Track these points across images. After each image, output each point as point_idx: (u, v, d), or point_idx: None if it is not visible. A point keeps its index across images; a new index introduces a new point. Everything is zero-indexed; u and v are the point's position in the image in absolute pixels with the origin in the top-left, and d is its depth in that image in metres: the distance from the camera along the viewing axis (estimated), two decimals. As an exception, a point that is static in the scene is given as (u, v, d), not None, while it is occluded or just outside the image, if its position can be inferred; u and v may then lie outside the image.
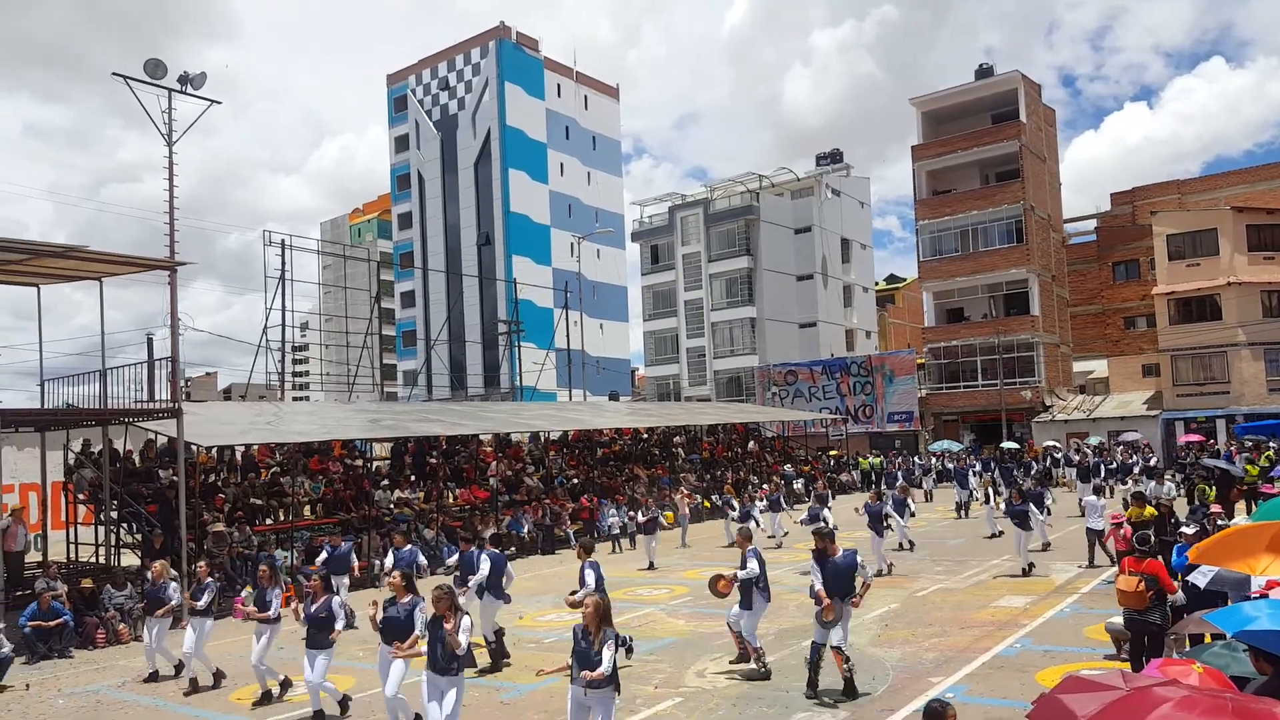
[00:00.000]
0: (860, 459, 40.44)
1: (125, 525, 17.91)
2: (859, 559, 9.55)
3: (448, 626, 7.49)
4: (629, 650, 10.79)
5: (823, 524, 13.74)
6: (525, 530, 23.15)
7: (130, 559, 17.61)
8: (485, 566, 11.63)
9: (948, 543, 20.69)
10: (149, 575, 12.56)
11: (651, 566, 19.17)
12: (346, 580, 15.30)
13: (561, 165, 66.41)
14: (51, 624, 13.24)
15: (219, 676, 11.19)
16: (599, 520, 24.85)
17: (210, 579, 11.66)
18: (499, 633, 11.82)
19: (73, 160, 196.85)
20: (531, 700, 9.91)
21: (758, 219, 58.93)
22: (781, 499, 23.79)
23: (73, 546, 18.47)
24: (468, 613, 7.70)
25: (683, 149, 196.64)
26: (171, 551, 16.29)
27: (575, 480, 27.72)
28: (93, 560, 18.09)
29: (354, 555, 16.14)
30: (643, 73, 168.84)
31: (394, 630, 8.42)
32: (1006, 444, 39.99)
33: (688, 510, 24.72)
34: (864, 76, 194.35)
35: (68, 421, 17.05)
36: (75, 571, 16.73)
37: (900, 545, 19.18)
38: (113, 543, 17.83)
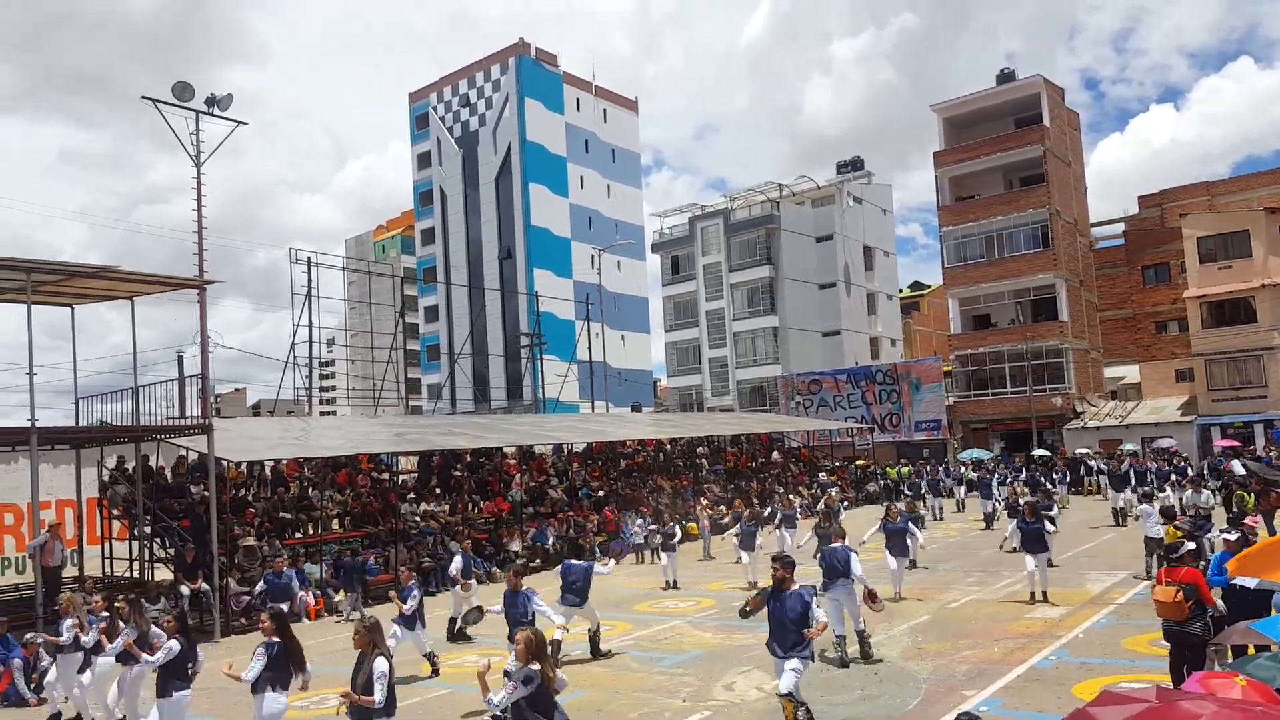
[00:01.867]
0: (888, 468, 40.14)
1: (158, 540, 18.13)
2: (811, 601, 8.33)
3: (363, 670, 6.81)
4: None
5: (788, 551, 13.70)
6: (550, 542, 23.17)
7: (164, 573, 17.81)
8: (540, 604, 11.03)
9: (980, 553, 20.47)
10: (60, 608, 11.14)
11: (674, 585, 18.15)
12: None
13: (581, 178, 66.77)
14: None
15: None
16: (623, 531, 24.82)
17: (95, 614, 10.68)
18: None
19: (106, 183, 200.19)
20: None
21: (778, 228, 58.82)
22: (794, 514, 22.03)
23: (108, 561, 18.70)
24: (388, 655, 6.91)
25: (702, 160, 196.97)
26: (204, 566, 16.48)
27: (600, 492, 27.72)
28: (127, 575, 18.30)
29: (296, 583, 15.68)
30: (661, 85, 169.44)
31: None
32: (1037, 451, 39.58)
33: (708, 522, 24.35)
34: (884, 84, 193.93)
35: (102, 439, 17.31)
36: (110, 585, 16.94)
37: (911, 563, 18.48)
38: (146, 557, 18.04)
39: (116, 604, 10.18)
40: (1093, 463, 34.73)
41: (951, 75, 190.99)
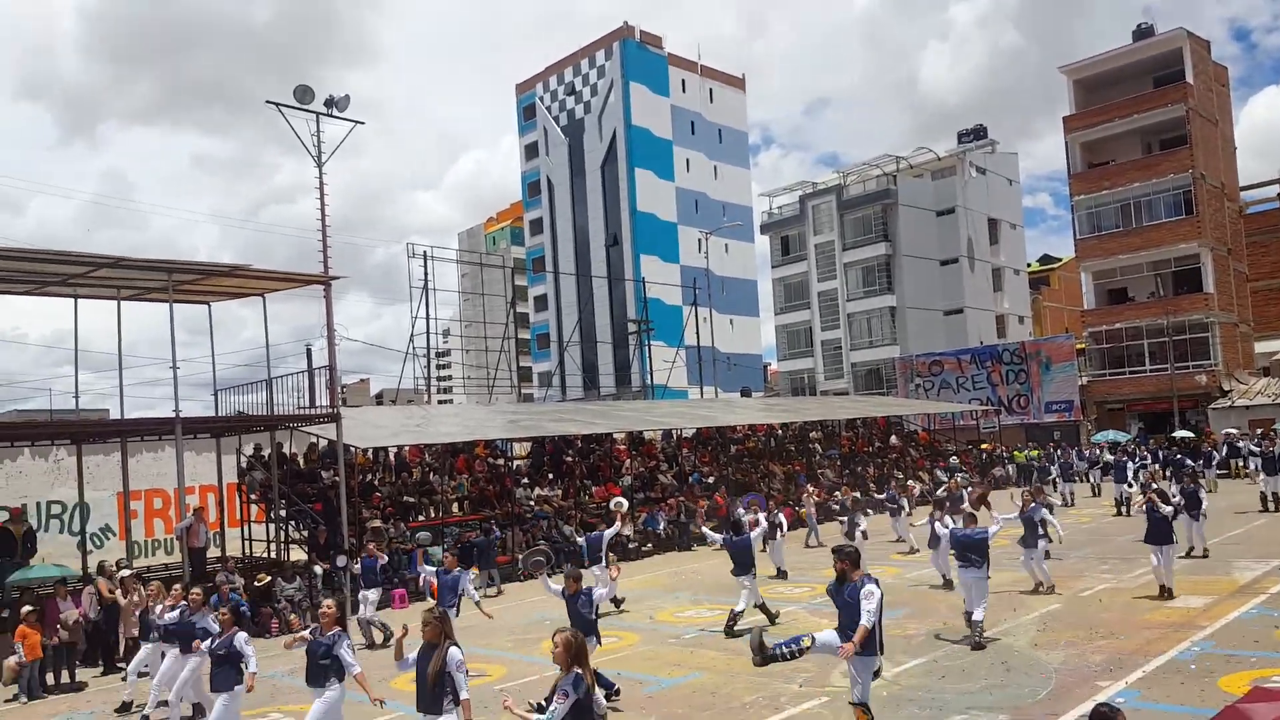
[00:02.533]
0: (1015, 452, 38.61)
1: (293, 522, 19.07)
2: (869, 589, 7.53)
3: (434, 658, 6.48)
4: (611, 693, 9.52)
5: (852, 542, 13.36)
6: (661, 527, 23.27)
7: (298, 554, 18.73)
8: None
9: (1115, 540, 19.43)
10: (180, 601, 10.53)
11: (781, 574, 17.70)
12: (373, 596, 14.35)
13: (687, 161, 66.38)
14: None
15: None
16: (733, 516, 24.67)
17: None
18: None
19: (235, 187, 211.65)
20: (674, 694, 9.93)
21: (895, 203, 57.14)
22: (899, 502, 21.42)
23: (247, 543, 19.79)
24: (459, 644, 6.64)
25: (813, 136, 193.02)
26: (335, 546, 17.25)
27: (710, 478, 27.63)
28: (265, 555, 19.34)
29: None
30: (770, 62, 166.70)
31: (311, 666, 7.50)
32: (1179, 433, 37.30)
33: (814, 508, 23.46)
34: (1008, 47, 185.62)
35: (239, 428, 18.28)
36: (250, 566, 17.95)
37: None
38: (282, 539, 19.02)
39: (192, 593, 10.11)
40: (1241, 444, 32.48)
41: (1082, 34, 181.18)
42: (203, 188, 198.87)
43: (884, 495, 22.43)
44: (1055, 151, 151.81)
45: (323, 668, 7.36)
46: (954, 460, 35.24)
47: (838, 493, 27.86)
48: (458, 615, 11.59)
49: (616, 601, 15.19)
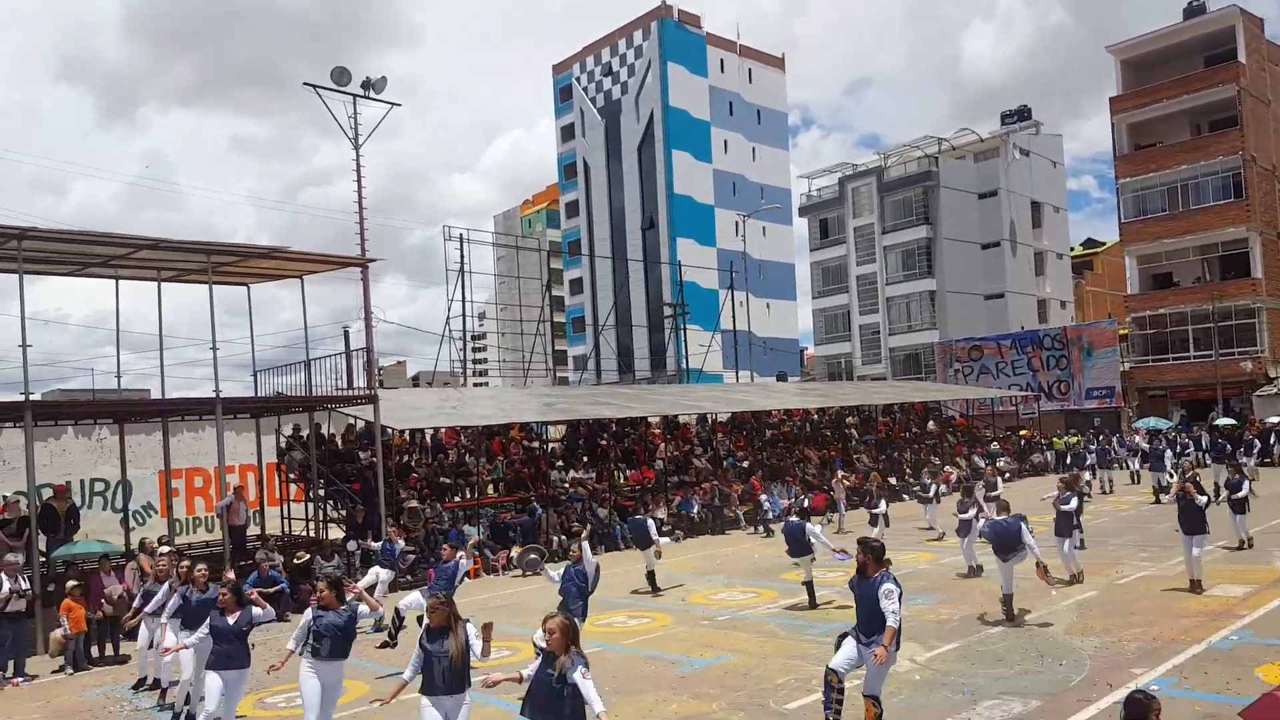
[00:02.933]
0: (1054, 439, 38.07)
1: (331, 502, 19.38)
2: (887, 588, 7.34)
3: (452, 639, 6.49)
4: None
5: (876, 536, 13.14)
6: (695, 510, 23.30)
7: (336, 533, 19.03)
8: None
9: (1154, 528, 19.11)
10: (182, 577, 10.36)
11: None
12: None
13: (725, 142, 65.85)
14: (271, 590, 14.49)
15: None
16: (764, 500, 24.67)
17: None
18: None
19: (273, 168, 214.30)
20: (706, 674, 9.97)
21: (937, 185, 56.33)
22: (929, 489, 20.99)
23: (286, 521, 20.16)
24: (469, 619, 6.69)
25: (854, 117, 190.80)
26: (372, 526, 17.51)
27: (745, 462, 27.59)
28: (303, 534, 19.68)
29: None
30: (810, 41, 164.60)
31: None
32: (1222, 420, 36.51)
33: (844, 494, 22.86)
34: (1054, 26, 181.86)
35: (278, 408, 18.60)
36: (289, 544, 18.27)
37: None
38: (320, 518, 19.34)
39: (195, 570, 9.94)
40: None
41: (1131, 12, 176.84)
42: (241, 170, 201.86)
43: (917, 483, 22.20)
44: (1101, 133, 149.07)
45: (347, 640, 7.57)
46: (994, 447, 34.82)
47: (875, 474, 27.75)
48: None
49: (653, 583, 15.29)
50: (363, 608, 8.04)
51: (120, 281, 17.37)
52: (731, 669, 10.11)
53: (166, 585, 10.56)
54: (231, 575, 9.57)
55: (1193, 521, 12.78)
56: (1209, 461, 24.29)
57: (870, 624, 7.38)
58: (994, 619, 11.52)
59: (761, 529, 22.69)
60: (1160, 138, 45.84)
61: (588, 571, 10.62)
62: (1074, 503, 14.10)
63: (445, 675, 6.41)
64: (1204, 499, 12.94)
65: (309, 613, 7.64)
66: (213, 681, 8.00)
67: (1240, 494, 15.67)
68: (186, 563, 10.56)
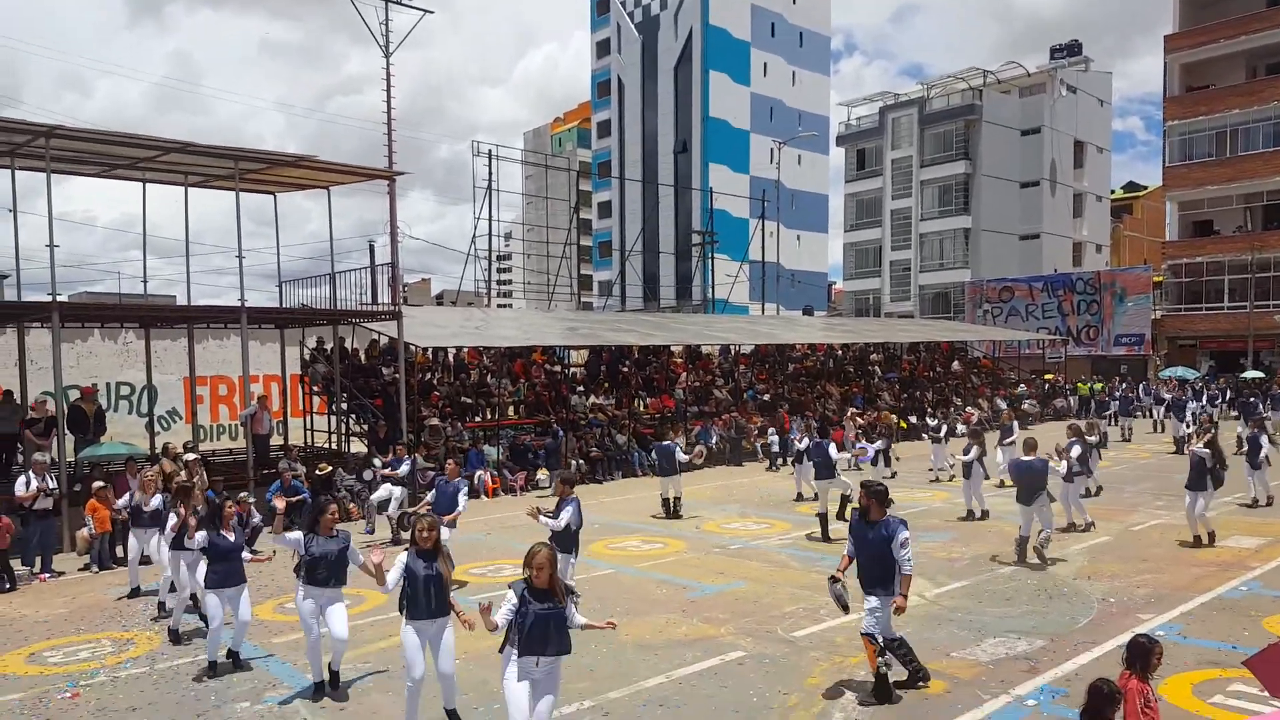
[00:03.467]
0: (1079, 384, 37.74)
1: (353, 416, 19.62)
2: (903, 536, 7.05)
3: (442, 561, 6.54)
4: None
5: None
6: (714, 441, 23.41)
7: (359, 447, 19.32)
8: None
9: (1173, 477, 18.96)
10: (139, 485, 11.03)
11: (799, 498, 17.09)
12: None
13: (765, 65, 64.14)
14: (293, 499, 14.78)
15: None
16: (790, 434, 24.71)
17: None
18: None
19: (302, 75, 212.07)
20: (717, 599, 10.12)
21: (979, 119, 54.90)
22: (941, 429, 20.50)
23: (309, 433, 20.46)
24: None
25: (899, 45, 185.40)
26: (394, 442, 17.73)
27: (765, 395, 27.59)
28: (326, 446, 20.00)
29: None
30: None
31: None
32: (1249, 373, 36.01)
33: (855, 432, 21.65)
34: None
35: (303, 320, 18.71)
36: (312, 455, 18.58)
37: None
38: (343, 431, 19.61)
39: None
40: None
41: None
42: (270, 75, 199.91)
43: (931, 423, 21.96)
44: (1153, 73, 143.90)
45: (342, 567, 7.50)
46: (1021, 389, 34.59)
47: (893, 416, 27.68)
48: (454, 528, 11.11)
49: (675, 508, 15.56)
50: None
51: (148, 185, 17.38)
52: (742, 596, 10.25)
53: (164, 504, 10.43)
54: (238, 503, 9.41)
55: (1194, 477, 12.41)
56: (1235, 416, 24.00)
57: (873, 570, 7.13)
58: (1006, 560, 11.57)
59: (772, 463, 22.63)
60: (1214, 80, 44.22)
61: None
62: (1076, 450, 13.58)
63: (435, 598, 6.37)
64: (1205, 452, 12.45)
65: (298, 534, 7.43)
66: (213, 600, 7.94)
67: (1261, 450, 15.30)
68: (184, 474, 10.78)
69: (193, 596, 9.49)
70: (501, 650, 5.58)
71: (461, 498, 11.25)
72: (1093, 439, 16.16)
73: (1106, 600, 9.71)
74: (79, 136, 14.01)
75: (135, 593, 10.86)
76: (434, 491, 11.58)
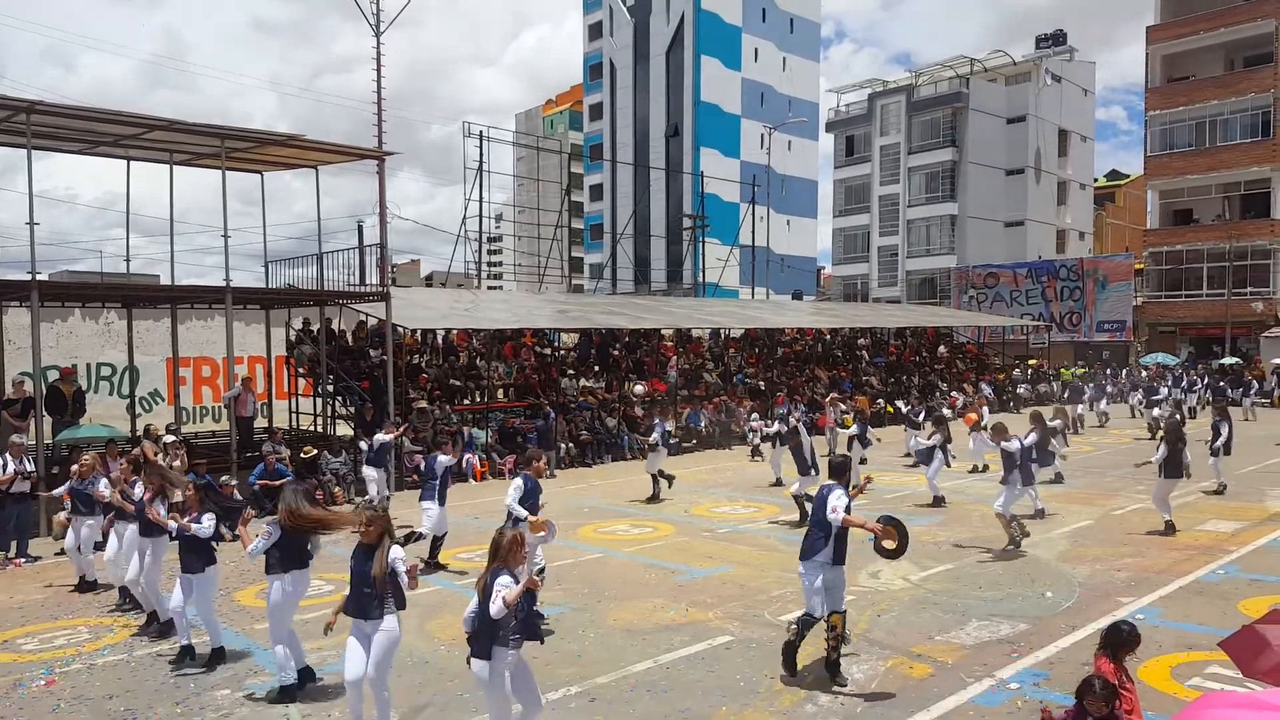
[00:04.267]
0: (1062, 369, 38.06)
1: (340, 398, 19.53)
2: (837, 493, 7.15)
3: (375, 559, 5.91)
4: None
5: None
6: (703, 424, 23.48)
7: (344, 429, 19.26)
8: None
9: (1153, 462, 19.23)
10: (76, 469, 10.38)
11: (778, 483, 17.07)
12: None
13: (756, 50, 64.02)
14: (276, 483, 14.74)
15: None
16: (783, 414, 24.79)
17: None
18: None
19: (292, 54, 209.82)
20: (704, 583, 10.20)
21: (966, 107, 55.03)
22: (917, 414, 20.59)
23: (294, 415, 20.35)
24: (400, 541, 6.15)
25: (888, 32, 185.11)
26: (381, 424, 17.69)
27: (756, 379, 27.69)
28: (311, 429, 19.92)
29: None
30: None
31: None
32: (1226, 359, 36.41)
33: (834, 420, 21.49)
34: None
35: (289, 300, 18.57)
36: (296, 438, 18.51)
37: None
38: (329, 414, 19.53)
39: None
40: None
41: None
42: (260, 53, 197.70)
43: (905, 409, 21.98)
44: (1134, 63, 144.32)
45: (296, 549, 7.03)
46: (1016, 373, 34.81)
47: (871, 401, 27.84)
48: (442, 503, 11.16)
49: (667, 477, 15.81)
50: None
51: (131, 163, 17.18)
52: (729, 580, 10.34)
53: (108, 488, 9.78)
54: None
55: (1167, 465, 12.46)
56: (1211, 400, 24.39)
57: (809, 537, 7.27)
58: (990, 543, 11.70)
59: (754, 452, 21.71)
60: (1194, 71, 44.61)
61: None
62: (1032, 438, 12.77)
63: (362, 597, 5.89)
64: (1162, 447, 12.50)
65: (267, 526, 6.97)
66: (181, 582, 7.72)
67: (1219, 437, 15.35)
68: (134, 453, 10.24)
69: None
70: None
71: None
72: (1056, 423, 16.26)
73: (1089, 584, 9.85)
74: (61, 113, 13.81)
75: (84, 585, 10.34)
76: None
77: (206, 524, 7.68)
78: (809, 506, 12.88)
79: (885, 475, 17.42)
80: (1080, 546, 11.66)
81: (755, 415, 23.20)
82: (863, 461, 18.85)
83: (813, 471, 13.61)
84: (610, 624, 8.71)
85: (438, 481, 11.14)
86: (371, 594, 5.86)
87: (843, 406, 22.94)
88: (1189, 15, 44.05)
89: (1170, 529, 12.21)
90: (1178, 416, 17.37)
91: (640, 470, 17.25)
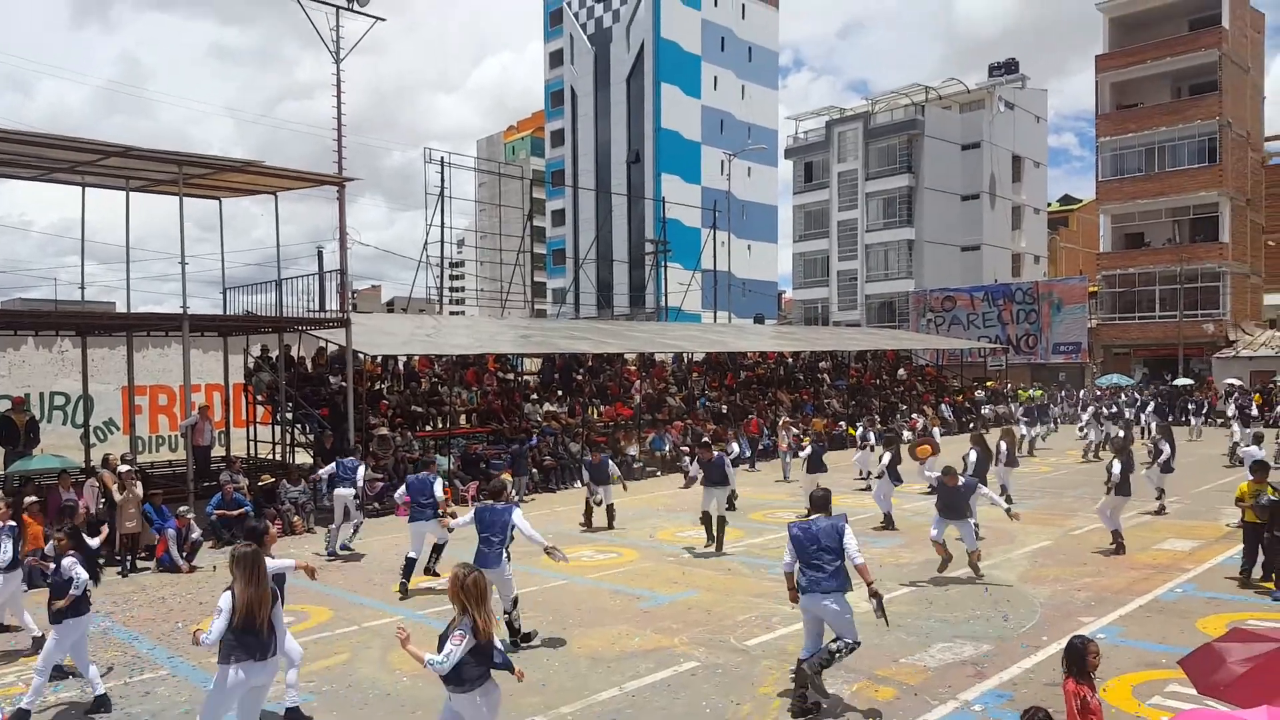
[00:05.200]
0: (1020, 390, 38.67)
1: (299, 426, 19.26)
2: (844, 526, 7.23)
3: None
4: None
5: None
6: (667, 448, 23.47)
7: (304, 457, 18.98)
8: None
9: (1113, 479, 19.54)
10: None
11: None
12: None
13: (715, 78, 64.83)
14: (234, 513, 14.48)
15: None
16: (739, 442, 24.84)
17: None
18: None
19: (253, 79, 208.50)
20: (669, 609, 10.15)
21: (921, 134, 56.07)
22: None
23: (252, 444, 20.03)
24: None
25: (845, 60, 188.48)
26: (341, 452, 17.45)
27: (718, 403, 27.76)
28: (270, 457, 19.59)
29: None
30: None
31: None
32: (1179, 380, 37.25)
33: (787, 444, 21.64)
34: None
35: (247, 327, 18.32)
36: (255, 467, 18.19)
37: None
38: (288, 442, 19.24)
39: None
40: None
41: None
42: (220, 78, 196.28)
43: (858, 430, 21.99)
44: (1085, 91, 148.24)
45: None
46: (980, 393, 35.20)
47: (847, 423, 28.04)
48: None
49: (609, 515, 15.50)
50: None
51: (87, 189, 16.90)
52: (695, 605, 10.30)
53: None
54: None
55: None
56: (1154, 421, 25.00)
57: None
58: (953, 566, 11.78)
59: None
60: (1142, 99, 45.93)
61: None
62: (973, 456, 13.40)
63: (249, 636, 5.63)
64: (1114, 473, 12.64)
65: None
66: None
67: (1161, 455, 15.60)
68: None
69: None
70: None
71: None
72: (1004, 444, 16.30)
73: (1049, 604, 9.96)
74: (14, 139, 13.56)
75: None
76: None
77: (68, 570, 7.40)
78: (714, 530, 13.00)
79: (844, 498, 17.50)
80: (1040, 567, 11.79)
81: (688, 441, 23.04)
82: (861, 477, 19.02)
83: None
84: (575, 652, 8.63)
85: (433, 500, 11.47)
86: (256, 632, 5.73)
87: (795, 430, 22.98)
88: (1136, 45, 45.45)
89: (1121, 546, 12.40)
90: (1128, 436, 17.70)
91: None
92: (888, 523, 14.73)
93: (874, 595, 7.23)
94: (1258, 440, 15.98)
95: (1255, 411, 24.80)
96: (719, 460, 13.91)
